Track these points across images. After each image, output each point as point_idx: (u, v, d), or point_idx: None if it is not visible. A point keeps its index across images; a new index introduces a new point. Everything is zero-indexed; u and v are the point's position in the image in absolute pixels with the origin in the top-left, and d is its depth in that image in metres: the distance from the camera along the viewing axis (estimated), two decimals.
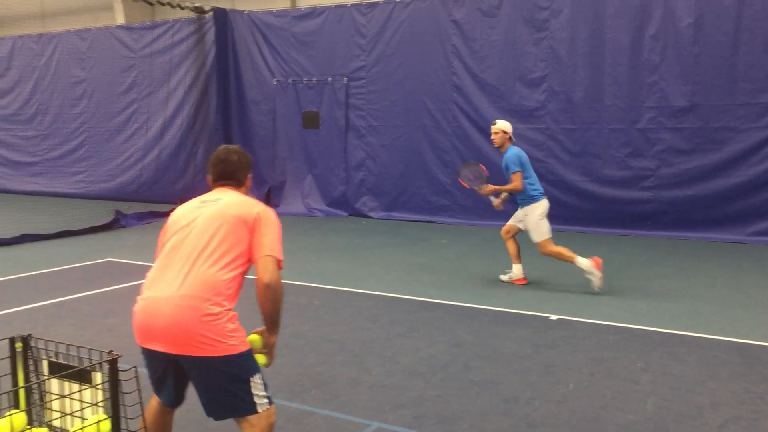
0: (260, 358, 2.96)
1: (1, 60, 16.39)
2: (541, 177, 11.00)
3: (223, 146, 3.26)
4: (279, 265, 2.90)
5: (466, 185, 7.70)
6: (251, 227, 2.91)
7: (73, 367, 2.27)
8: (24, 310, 6.48)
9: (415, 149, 12.01)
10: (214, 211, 2.94)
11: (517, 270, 7.53)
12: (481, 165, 7.72)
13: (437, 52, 11.69)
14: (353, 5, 12.39)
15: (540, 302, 6.68)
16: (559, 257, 7.16)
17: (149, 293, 2.81)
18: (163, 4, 12.52)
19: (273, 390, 4.47)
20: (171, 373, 2.84)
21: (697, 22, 9.93)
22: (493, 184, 7.52)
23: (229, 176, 3.17)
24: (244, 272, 2.91)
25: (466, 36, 11.45)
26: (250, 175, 3.26)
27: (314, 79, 12.70)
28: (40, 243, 9.98)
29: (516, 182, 7.15)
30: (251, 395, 2.80)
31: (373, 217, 12.29)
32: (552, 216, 10.90)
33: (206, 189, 11.87)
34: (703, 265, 8.44)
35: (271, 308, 2.87)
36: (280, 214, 12.94)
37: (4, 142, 16.60)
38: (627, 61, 10.37)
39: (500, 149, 7.39)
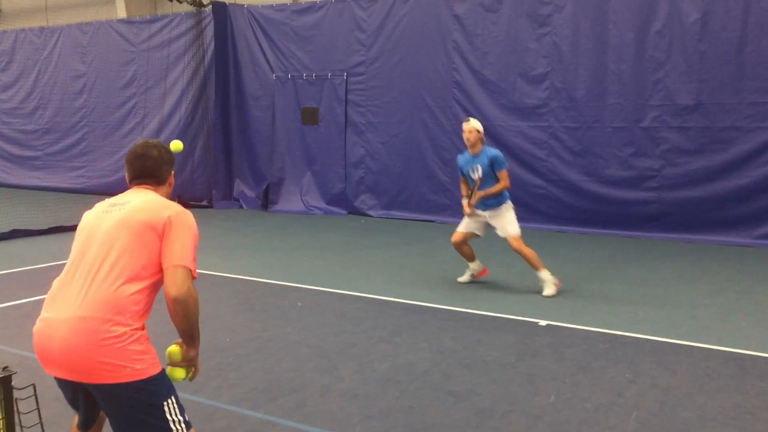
0: (180, 372, 2.68)
1: (3, 53, 16.32)
2: (542, 176, 10.86)
3: (140, 140, 2.96)
4: (192, 274, 2.62)
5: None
6: (160, 233, 2.62)
7: None
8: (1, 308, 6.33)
9: (414, 146, 11.78)
10: (119, 218, 2.66)
11: (476, 265, 7.38)
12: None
13: (438, 48, 11.45)
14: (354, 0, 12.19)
15: (532, 307, 6.44)
16: (526, 258, 6.92)
17: (47, 313, 2.55)
18: None
19: (240, 397, 4.29)
20: (82, 396, 2.61)
21: (704, 18, 9.62)
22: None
23: (148, 174, 2.87)
24: (156, 283, 2.63)
25: (467, 31, 11.21)
26: (173, 172, 2.97)
27: (313, 74, 12.49)
28: (31, 239, 9.85)
29: (506, 180, 6.87)
30: (166, 421, 2.55)
31: (372, 216, 12.09)
32: (553, 216, 10.79)
33: (205, 185, 11.74)
34: (707, 269, 8.16)
35: (183, 323, 2.59)
36: (278, 212, 12.68)
37: (6, 135, 16.52)
38: (631, 57, 10.08)
39: (471, 149, 6.95)
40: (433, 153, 11.63)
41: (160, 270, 2.61)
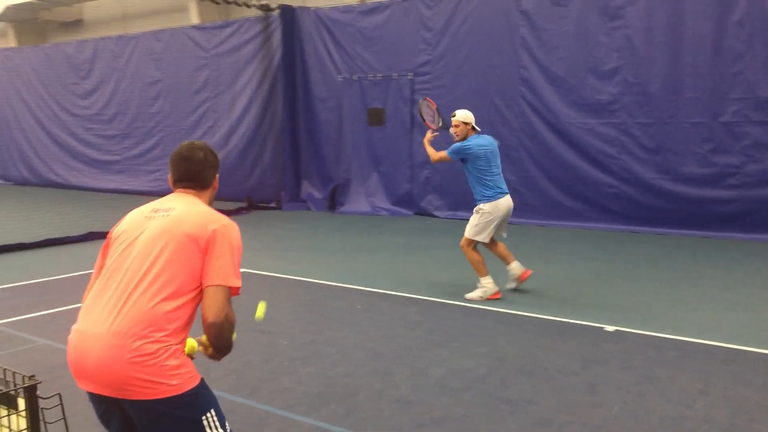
0: (190, 346, 2.60)
1: (84, 62, 16.99)
2: (614, 174, 10.45)
3: (186, 142, 2.83)
4: (234, 292, 2.51)
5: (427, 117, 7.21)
6: (204, 248, 2.48)
7: None
8: (67, 310, 6.53)
9: None
10: (161, 227, 2.53)
11: (514, 267, 6.86)
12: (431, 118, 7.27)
13: (505, 45, 11.21)
14: None
15: (599, 312, 6.18)
16: (472, 263, 6.74)
17: (81, 325, 2.48)
18: (228, 3, 12.55)
19: (292, 402, 4.27)
20: (116, 409, 2.50)
21: None
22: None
23: (192, 177, 2.74)
24: (197, 298, 2.51)
25: (535, 26, 10.93)
26: (217, 176, 2.84)
27: (379, 74, 12.46)
28: None
29: (440, 154, 6.87)
30: None
31: (438, 216, 11.96)
32: (625, 216, 10.39)
33: (274, 187, 11.85)
34: None
35: (215, 343, 2.49)
36: (344, 213, 12.57)
37: (88, 141, 17.20)
38: (709, 50, 9.59)
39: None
40: (500, 152, 11.34)
41: (201, 285, 2.50)
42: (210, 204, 2.82)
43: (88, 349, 2.39)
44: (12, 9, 18.26)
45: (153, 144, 15.82)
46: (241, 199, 13.48)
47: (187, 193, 2.75)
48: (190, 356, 2.60)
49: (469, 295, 6.66)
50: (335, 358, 5.05)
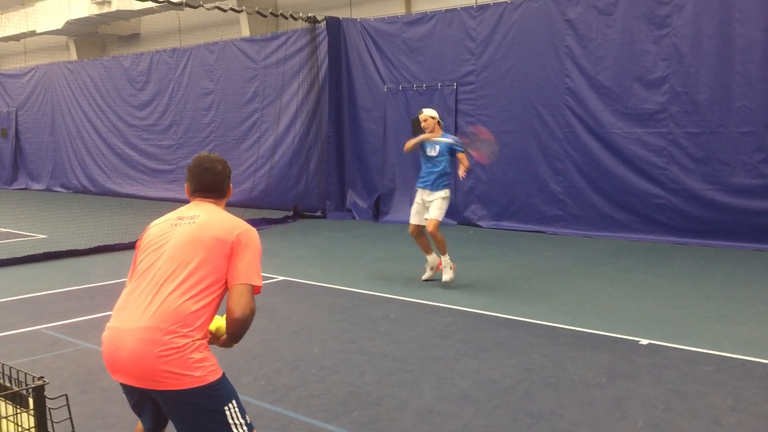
0: (217, 326, 2.86)
1: (141, 74, 17.55)
2: (661, 185, 10.27)
3: (204, 154, 3.08)
4: (257, 290, 2.76)
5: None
6: (229, 252, 2.74)
7: (9, 388, 2.23)
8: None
9: (525, 156, 11.52)
10: (189, 233, 2.78)
11: (432, 259, 7.85)
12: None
13: (549, 54, 11.14)
14: (463, 8, 12.09)
15: (634, 325, 6.10)
16: (437, 243, 7.53)
17: (115, 323, 2.72)
18: (276, 16, 12.81)
19: (317, 409, 4.35)
20: (147, 400, 2.75)
21: None
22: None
23: (213, 188, 2.99)
24: (221, 296, 2.77)
25: (580, 36, 10.84)
26: (231, 185, 3.09)
27: (424, 85, 12.52)
28: None
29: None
30: (228, 425, 2.65)
31: (481, 226, 11.93)
32: (672, 228, 10.21)
33: (319, 196, 12.34)
34: None
35: (236, 333, 2.74)
36: (388, 222, 12.74)
37: (144, 151, 17.74)
38: (759, 58, 9.36)
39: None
40: (545, 162, 11.32)
41: (225, 285, 2.75)
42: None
43: (121, 343, 2.62)
44: (73, 23, 19.02)
45: None
46: (287, 208, 13.72)
47: (207, 201, 2.97)
48: (215, 335, 2.83)
49: (445, 278, 7.53)
50: (364, 367, 5.12)
